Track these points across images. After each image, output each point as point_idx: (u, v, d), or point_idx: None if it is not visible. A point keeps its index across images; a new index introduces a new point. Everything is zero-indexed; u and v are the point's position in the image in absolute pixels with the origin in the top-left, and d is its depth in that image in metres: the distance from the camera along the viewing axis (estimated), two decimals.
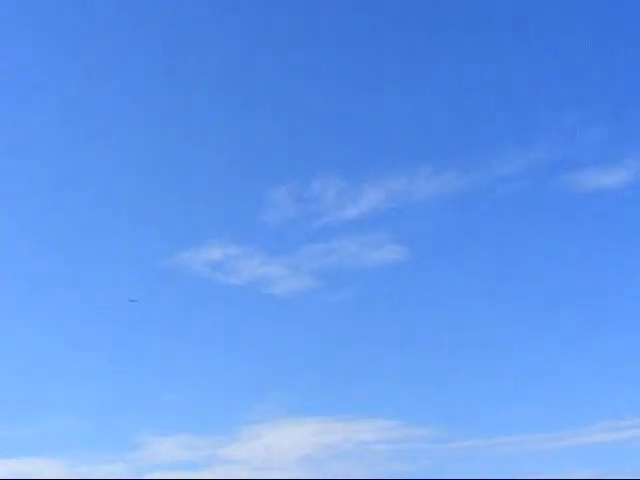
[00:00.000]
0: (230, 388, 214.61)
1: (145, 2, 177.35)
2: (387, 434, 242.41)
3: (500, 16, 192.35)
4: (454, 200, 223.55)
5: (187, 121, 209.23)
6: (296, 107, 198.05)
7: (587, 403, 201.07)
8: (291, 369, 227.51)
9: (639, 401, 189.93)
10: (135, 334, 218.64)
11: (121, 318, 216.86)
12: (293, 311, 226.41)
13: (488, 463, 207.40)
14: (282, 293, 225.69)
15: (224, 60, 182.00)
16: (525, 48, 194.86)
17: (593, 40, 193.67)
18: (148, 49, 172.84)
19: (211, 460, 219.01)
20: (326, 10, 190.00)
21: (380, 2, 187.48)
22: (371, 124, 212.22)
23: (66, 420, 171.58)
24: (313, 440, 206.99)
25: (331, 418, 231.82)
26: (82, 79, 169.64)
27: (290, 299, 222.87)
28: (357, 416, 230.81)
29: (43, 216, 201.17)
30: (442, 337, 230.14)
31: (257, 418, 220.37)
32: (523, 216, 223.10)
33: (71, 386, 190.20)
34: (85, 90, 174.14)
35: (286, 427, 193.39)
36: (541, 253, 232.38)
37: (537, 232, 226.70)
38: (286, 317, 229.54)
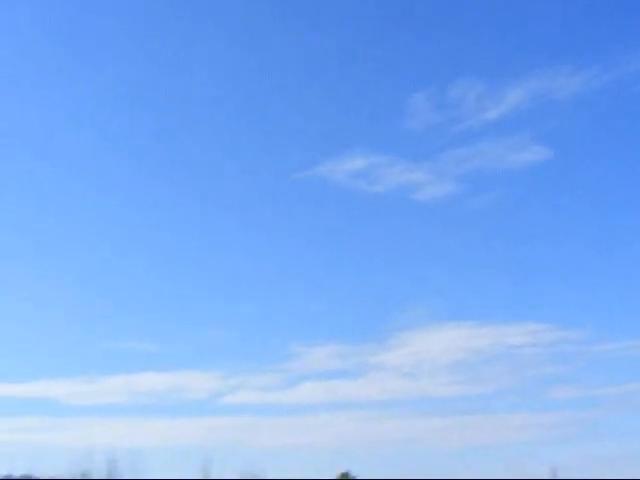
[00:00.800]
0: (378, 296, 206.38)
1: None
2: (537, 337, 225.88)
3: None
4: (597, 98, 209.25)
5: (323, 27, 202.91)
6: (429, 14, 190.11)
7: None
8: (437, 274, 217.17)
9: None
10: (280, 246, 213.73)
11: (267, 230, 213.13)
12: (438, 217, 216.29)
13: (638, 364, 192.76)
14: (426, 199, 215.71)
15: None
16: None
17: None
18: None
19: (362, 368, 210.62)
20: None
21: None
22: (508, 24, 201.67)
23: (219, 333, 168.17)
24: (462, 345, 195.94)
25: (480, 323, 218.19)
26: None
27: (434, 205, 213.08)
28: (506, 320, 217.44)
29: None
30: (590, 236, 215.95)
31: (406, 325, 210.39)
32: None
33: (223, 300, 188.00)
34: None
35: (435, 333, 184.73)
36: None
37: None
38: (431, 223, 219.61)
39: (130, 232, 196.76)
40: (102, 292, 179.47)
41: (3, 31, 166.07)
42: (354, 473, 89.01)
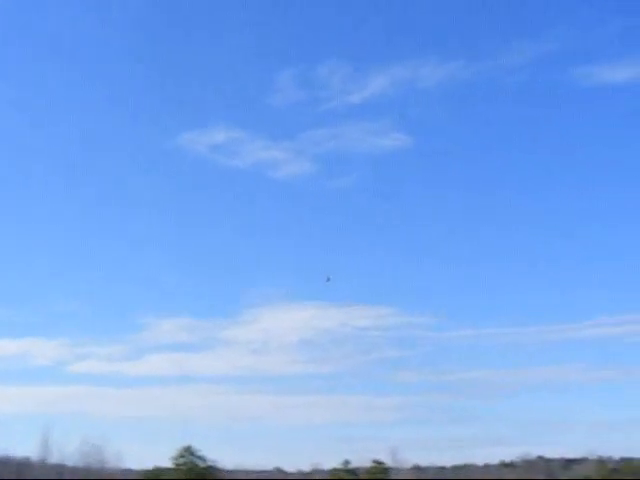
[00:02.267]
0: (230, 271, 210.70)
1: None
2: (384, 321, 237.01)
3: None
4: (460, 89, 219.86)
5: (191, 3, 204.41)
6: None
7: (584, 298, 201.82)
8: (291, 254, 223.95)
9: (634, 299, 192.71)
10: (136, 215, 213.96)
11: (122, 200, 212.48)
12: (295, 196, 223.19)
13: (481, 353, 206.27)
14: (284, 177, 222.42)
15: None
16: None
17: None
18: None
19: (211, 342, 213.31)
20: None
21: None
22: (378, 10, 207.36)
23: (67, 302, 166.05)
24: (312, 324, 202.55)
25: (329, 304, 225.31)
26: None
27: (292, 183, 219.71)
28: (355, 302, 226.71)
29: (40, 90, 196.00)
30: (441, 226, 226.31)
31: (257, 302, 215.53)
32: (529, 107, 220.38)
33: (72, 269, 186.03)
34: None
35: (285, 311, 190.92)
36: (548, 144, 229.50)
37: (543, 124, 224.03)
38: (287, 201, 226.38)
39: None
40: None
41: None
42: (197, 447, 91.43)
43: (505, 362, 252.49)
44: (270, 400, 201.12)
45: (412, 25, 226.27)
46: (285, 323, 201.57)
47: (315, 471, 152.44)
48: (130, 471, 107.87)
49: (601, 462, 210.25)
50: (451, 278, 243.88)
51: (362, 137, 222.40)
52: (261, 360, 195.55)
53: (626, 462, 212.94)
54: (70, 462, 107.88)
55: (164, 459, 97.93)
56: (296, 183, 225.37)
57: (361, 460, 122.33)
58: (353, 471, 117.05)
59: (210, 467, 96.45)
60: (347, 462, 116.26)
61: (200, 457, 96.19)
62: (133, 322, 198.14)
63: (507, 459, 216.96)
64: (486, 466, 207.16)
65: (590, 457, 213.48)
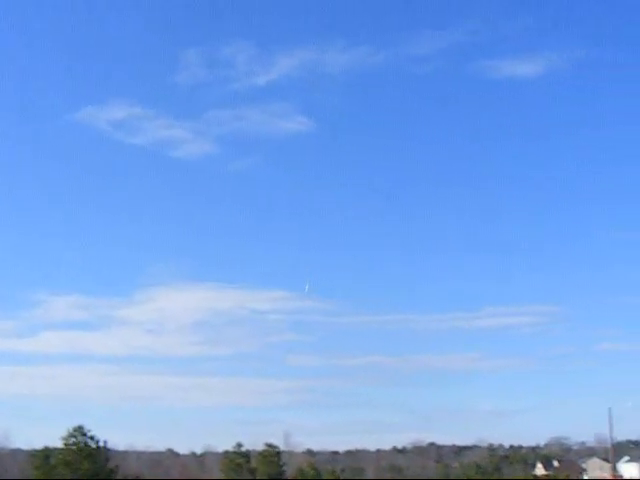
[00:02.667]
0: (127, 250, 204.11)
1: None
2: (281, 304, 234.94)
3: None
4: (365, 76, 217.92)
5: None
6: None
7: (479, 288, 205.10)
8: (189, 234, 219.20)
9: (524, 291, 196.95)
10: (31, 190, 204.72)
11: (17, 175, 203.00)
12: (195, 176, 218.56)
13: (376, 339, 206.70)
14: (185, 157, 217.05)
15: None
16: None
17: None
18: None
19: (105, 321, 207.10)
20: None
21: None
22: None
23: None
24: (208, 305, 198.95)
25: (226, 285, 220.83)
26: None
27: (193, 163, 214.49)
28: (252, 285, 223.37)
29: None
30: (342, 211, 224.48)
31: (153, 281, 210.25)
32: (434, 97, 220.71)
33: None
34: None
35: (181, 291, 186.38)
36: (449, 134, 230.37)
37: (448, 114, 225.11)
38: (187, 181, 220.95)
39: None
40: None
41: None
42: (88, 427, 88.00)
43: (400, 349, 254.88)
44: (164, 381, 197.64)
45: (320, 8, 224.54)
46: (181, 304, 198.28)
47: (207, 453, 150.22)
48: (19, 451, 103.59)
49: (492, 450, 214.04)
50: (348, 264, 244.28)
51: (266, 119, 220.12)
52: (156, 340, 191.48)
53: (515, 450, 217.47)
54: None
55: (55, 439, 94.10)
56: (197, 163, 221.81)
57: (254, 443, 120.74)
58: (245, 454, 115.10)
59: (101, 448, 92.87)
60: (239, 445, 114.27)
61: (91, 437, 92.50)
62: (26, 298, 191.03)
63: (399, 445, 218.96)
64: (379, 452, 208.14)
65: (481, 445, 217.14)
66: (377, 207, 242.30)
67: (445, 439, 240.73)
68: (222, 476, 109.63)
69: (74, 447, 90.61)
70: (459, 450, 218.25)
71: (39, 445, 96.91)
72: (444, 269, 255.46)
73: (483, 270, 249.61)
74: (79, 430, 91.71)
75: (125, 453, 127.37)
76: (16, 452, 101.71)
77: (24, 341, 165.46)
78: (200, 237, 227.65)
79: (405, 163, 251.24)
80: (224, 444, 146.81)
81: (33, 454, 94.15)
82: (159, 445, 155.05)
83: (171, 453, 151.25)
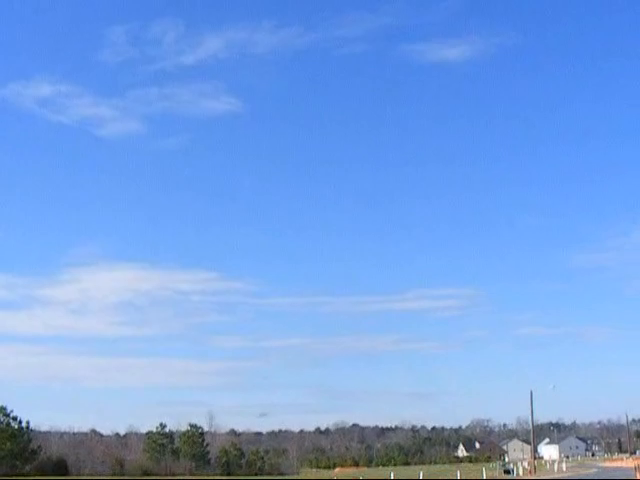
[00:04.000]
0: (51, 230, 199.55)
1: None
2: (205, 285, 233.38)
3: None
4: (294, 56, 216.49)
5: None
6: None
7: (401, 272, 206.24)
8: (114, 214, 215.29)
9: (448, 274, 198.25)
10: None
11: None
12: (120, 155, 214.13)
13: (299, 321, 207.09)
14: (111, 135, 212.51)
15: None
16: None
17: None
18: None
19: (29, 301, 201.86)
20: None
21: None
22: None
23: None
24: (132, 286, 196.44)
25: (151, 265, 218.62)
26: None
27: (119, 142, 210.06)
28: (176, 265, 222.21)
29: None
30: (264, 194, 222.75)
31: (77, 261, 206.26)
32: (362, 79, 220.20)
33: None
34: None
35: (105, 271, 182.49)
36: (377, 117, 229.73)
37: (374, 96, 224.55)
38: (113, 160, 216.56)
39: None
40: None
41: None
42: (10, 408, 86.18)
43: (321, 330, 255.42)
44: (87, 361, 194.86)
45: None
46: (105, 284, 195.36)
47: (131, 434, 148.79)
48: None
49: (414, 431, 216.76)
50: (271, 245, 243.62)
51: (193, 99, 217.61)
52: (79, 321, 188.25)
53: (438, 432, 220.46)
54: None
55: None
56: (122, 142, 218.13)
57: (177, 424, 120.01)
58: (169, 434, 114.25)
59: (24, 428, 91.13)
60: (163, 425, 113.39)
61: (14, 418, 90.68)
62: None
63: (322, 426, 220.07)
64: (302, 432, 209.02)
65: (404, 426, 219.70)
66: (304, 189, 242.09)
67: (368, 420, 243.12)
68: (146, 457, 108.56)
69: None
70: (382, 431, 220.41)
71: None
72: (371, 252, 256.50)
73: (410, 253, 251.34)
74: (1, 410, 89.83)
75: (48, 434, 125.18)
76: None
77: None
78: (125, 217, 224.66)
79: (330, 144, 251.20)
80: (147, 425, 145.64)
81: None
82: (82, 426, 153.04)
83: (94, 434, 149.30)
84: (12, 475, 79.17)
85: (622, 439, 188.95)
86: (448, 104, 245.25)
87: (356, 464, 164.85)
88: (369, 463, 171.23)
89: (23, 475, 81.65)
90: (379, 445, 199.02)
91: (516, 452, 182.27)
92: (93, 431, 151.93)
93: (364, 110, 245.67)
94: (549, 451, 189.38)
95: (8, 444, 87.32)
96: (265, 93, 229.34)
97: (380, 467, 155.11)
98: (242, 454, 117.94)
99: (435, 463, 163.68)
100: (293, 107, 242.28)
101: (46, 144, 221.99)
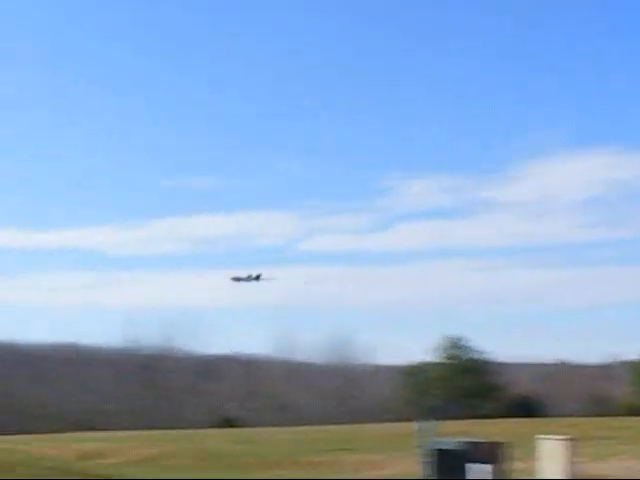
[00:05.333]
0: (499, 112, 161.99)
1: None
2: None
3: None
4: None
5: None
6: None
7: None
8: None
9: None
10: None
11: None
12: None
13: None
14: None
15: None
16: None
17: None
18: None
19: (472, 205, 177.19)
20: None
21: None
22: None
23: (293, 164, 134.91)
24: (602, 177, 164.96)
25: (625, 150, 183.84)
26: None
27: None
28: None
29: None
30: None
31: (528, 152, 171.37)
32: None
33: (298, 124, 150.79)
34: None
35: (565, 161, 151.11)
36: None
37: None
38: None
39: None
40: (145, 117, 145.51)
41: None
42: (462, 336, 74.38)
43: None
44: (545, 275, 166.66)
45: None
46: (566, 177, 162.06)
47: (615, 363, 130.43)
48: (382, 368, 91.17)
49: None
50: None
51: None
52: (537, 226, 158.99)
53: None
54: (311, 359, 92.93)
55: (418, 353, 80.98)
56: None
57: None
58: None
59: (480, 360, 78.87)
60: None
61: (472, 349, 79.18)
62: (375, 185, 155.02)
63: None
64: None
65: None
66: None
67: None
68: (631, 391, 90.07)
69: (451, 361, 79.21)
70: None
71: (401, 361, 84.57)
72: None
73: None
74: (454, 340, 78.82)
75: (507, 365, 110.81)
76: (379, 369, 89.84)
77: (376, 237, 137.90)
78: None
79: None
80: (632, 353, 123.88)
81: (402, 371, 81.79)
82: (548, 356, 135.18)
83: (564, 365, 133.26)
84: (473, 417, 65.73)
85: None
86: None
87: None
88: None
89: (484, 417, 67.59)
90: None
91: None
92: (563, 362, 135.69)
93: None
94: None
95: (465, 379, 78.61)
96: None
97: None
98: None
99: None
100: None
101: None
